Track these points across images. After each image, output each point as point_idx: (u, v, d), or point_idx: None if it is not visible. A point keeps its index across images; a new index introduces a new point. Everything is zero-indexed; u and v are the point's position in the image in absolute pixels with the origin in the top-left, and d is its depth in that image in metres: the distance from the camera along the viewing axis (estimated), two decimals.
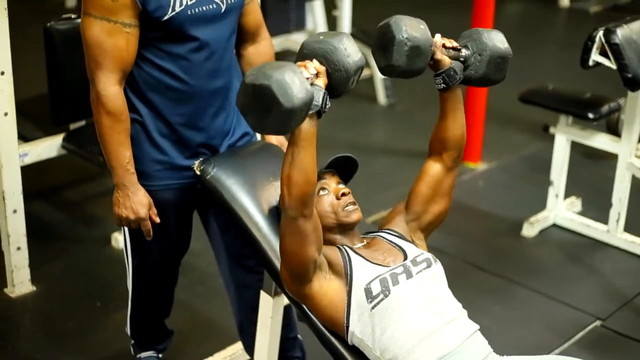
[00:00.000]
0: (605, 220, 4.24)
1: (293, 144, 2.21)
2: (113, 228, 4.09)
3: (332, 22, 6.20)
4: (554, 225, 4.35)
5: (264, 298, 2.76)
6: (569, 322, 3.62)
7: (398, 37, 2.29)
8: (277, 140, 2.91)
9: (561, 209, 4.33)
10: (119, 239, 4.00)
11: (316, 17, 5.96)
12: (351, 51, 2.22)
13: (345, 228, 2.49)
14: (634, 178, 4.10)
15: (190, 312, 3.59)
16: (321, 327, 2.47)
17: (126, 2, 2.41)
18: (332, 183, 2.51)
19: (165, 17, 2.45)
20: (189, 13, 2.48)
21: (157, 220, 2.63)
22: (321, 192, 2.48)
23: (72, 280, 3.84)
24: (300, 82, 2.10)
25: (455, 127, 2.52)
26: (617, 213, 4.11)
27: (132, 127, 2.58)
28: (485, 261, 4.06)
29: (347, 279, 2.34)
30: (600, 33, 3.72)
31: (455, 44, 2.47)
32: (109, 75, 2.48)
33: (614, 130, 4.70)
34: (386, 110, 5.82)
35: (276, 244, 2.56)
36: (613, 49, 3.68)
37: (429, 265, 2.43)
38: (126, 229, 2.76)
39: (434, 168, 2.57)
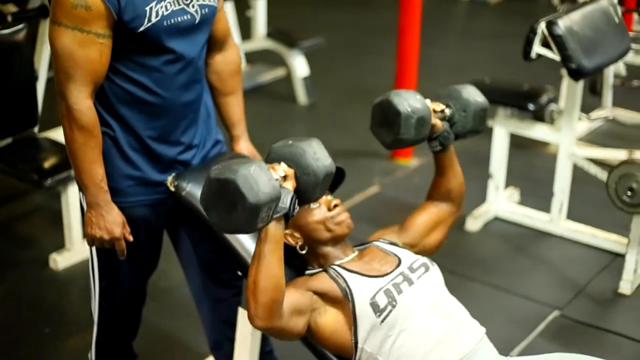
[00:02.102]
0: (543, 210, 4.30)
1: (260, 247, 2.16)
2: (49, 248, 3.90)
3: (246, 23, 6.09)
4: (496, 218, 4.37)
5: (243, 314, 2.67)
6: (529, 314, 3.63)
7: (404, 111, 2.40)
8: (248, 150, 2.82)
9: (502, 202, 4.36)
10: (58, 260, 3.82)
11: (228, 19, 5.83)
12: (320, 155, 2.21)
13: (338, 240, 2.46)
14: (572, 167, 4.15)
15: (146, 328, 3.44)
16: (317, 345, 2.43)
17: (101, 11, 2.28)
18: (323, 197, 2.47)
19: (141, 28, 2.34)
20: (165, 24, 2.37)
21: (131, 239, 2.52)
22: (312, 205, 2.44)
23: (13, 307, 3.63)
24: (268, 179, 2.06)
25: (456, 179, 2.62)
26: (559, 202, 4.16)
27: (102, 142, 2.45)
28: (434, 258, 4.00)
29: (348, 298, 2.29)
30: (543, 25, 3.74)
31: (442, 107, 2.56)
32: (81, 89, 2.35)
33: (542, 120, 4.76)
34: (307, 109, 5.75)
35: None
36: (556, 40, 3.70)
37: (427, 270, 2.43)
38: (94, 249, 2.63)
39: (436, 209, 2.65)
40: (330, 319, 2.31)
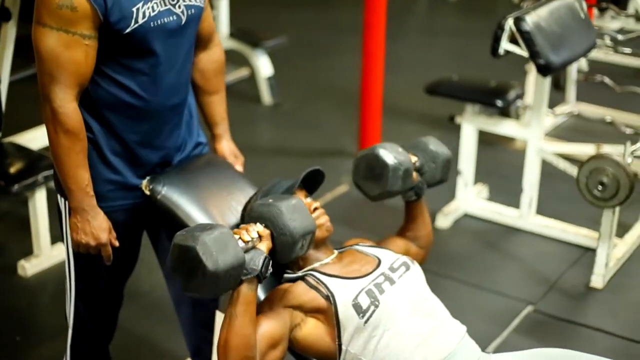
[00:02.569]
0: (512, 205, 4.31)
1: (231, 307, 2.17)
2: (17, 255, 3.83)
3: None
4: (466, 215, 4.38)
5: (220, 317, 2.65)
6: (503, 310, 3.65)
7: (391, 164, 2.49)
8: (230, 149, 2.82)
9: (471, 198, 4.37)
10: (26, 267, 3.76)
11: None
12: (298, 215, 2.25)
13: (318, 243, 2.45)
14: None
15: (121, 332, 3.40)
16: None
17: (87, 12, 2.24)
18: (301, 198, 2.46)
19: (128, 30, 2.30)
20: (152, 25, 2.33)
21: (117, 244, 2.50)
22: None
23: None
24: (230, 246, 2.10)
25: (425, 226, 2.71)
26: (528, 198, 4.18)
27: None
28: None
29: (330, 301, 2.29)
30: (510, 21, 3.75)
31: (415, 158, 2.63)
32: (66, 91, 2.31)
33: (508, 116, 4.77)
34: (272, 109, 5.72)
35: None
36: (524, 36, 3.71)
37: (407, 269, 2.44)
38: (70, 251, 2.59)
39: (406, 244, 2.69)
40: (311, 329, 2.31)
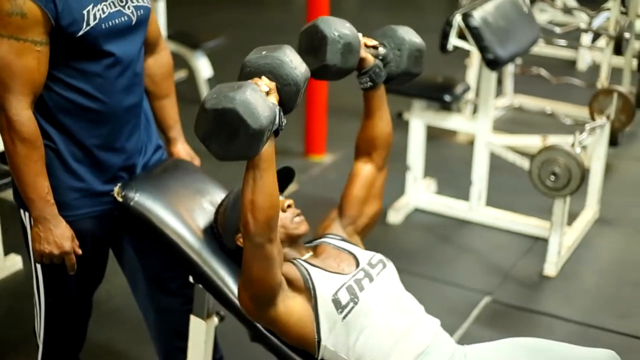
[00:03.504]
0: (460, 198, 4.38)
1: (254, 167, 2.10)
2: None
3: None
4: (417, 210, 4.43)
5: (196, 322, 2.65)
6: (461, 301, 3.70)
7: (330, 35, 2.30)
8: (186, 152, 2.80)
9: (421, 193, 4.42)
10: None
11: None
12: (297, 63, 2.15)
13: (293, 240, 2.45)
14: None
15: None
16: (281, 345, 2.41)
17: (37, 18, 2.20)
18: None
19: (80, 33, 2.27)
20: (103, 27, 2.31)
21: (80, 252, 2.45)
22: None
23: None
24: (263, 101, 2.01)
25: (383, 124, 2.53)
26: (478, 190, 4.24)
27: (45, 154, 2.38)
28: None
29: (311, 293, 2.28)
30: (458, 17, 3.80)
31: (374, 42, 2.49)
32: (21, 99, 2.26)
33: (449, 110, 4.84)
34: None
35: (215, 264, 2.49)
36: (473, 32, 3.78)
37: (384, 266, 2.45)
38: (38, 266, 2.54)
39: (365, 169, 2.58)
40: (296, 306, 2.27)
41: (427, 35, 7.14)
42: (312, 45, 2.33)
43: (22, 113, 2.27)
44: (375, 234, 4.16)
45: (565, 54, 6.36)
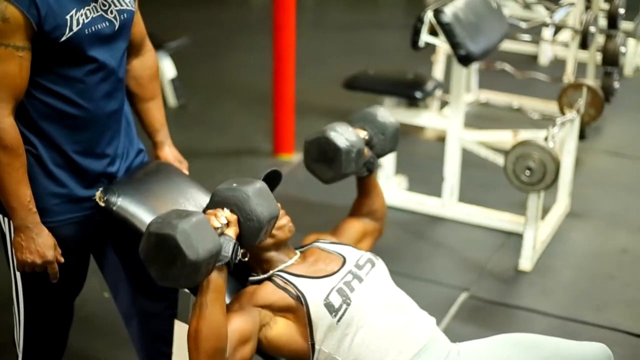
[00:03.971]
0: (430, 194, 4.38)
1: (201, 296, 2.12)
2: None
3: None
4: (389, 207, 4.40)
5: (181, 327, 2.59)
6: (439, 298, 3.70)
7: (344, 147, 2.46)
8: (173, 155, 2.75)
9: (393, 190, 4.41)
10: None
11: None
12: (264, 200, 2.20)
13: (280, 244, 2.44)
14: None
15: None
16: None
17: (19, 22, 2.16)
18: None
19: (63, 38, 2.23)
20: (87, 32, 2.27)
21: (62, 260, 2.41)
22: None
23: None
24: (208, 233, 2.05)
25: (379, 199, 2.72)
26: (450, 186, 4.24)
27: None
28: None
29: (302, 302, 2.27)
30: (430, 14, 3.80)
31: (364, 133, 2.61)
32: (2, 106, 2.22)
33: (416, 107, 4.84)
34: (178, 111, 5.62)
35: None
36: (445, 28, 3.77)
37: (373, 265, 2.45)
38: (18, 274, 2.50)
39: (362, 224, 2.70)
40: (282, 329, 2.28)
41: (385, 31, 7.30)
42: (325, 156, 2.49)
43: (4, 120, 2.22)
44: None
45: (527, 48, 6.40)
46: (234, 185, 2.21)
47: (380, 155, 2.65)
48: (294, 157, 4.96)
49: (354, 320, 2.26)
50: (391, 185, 4.40)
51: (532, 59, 6.41)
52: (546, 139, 3.68)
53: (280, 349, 2.30)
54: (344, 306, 2.26)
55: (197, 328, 2.11)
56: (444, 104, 5.05)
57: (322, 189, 4.37)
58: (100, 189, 2.47)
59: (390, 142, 2.63)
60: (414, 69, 4.70)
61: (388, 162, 4.34)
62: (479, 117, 5.35)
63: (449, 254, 4.05)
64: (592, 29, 4.40)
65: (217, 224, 2.14)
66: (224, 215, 2.17)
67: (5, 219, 2.43)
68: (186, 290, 2.47)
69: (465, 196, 4.36)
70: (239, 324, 2.21)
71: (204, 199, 2.61)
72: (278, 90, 4.77)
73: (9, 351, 3.18)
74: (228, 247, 2.12)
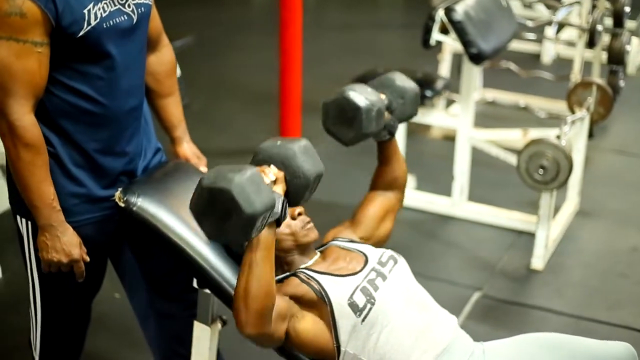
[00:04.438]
0: (438, 193, 4.37)
1: (252, 254, 2.08)
2: None
3: None
4: None
5: (200, 329, 2.58)
6: (452, 297, 3.68)
7: (363, 106, 2.38)
8: (192, 152, 2.74)
9: None
10: None
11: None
12: (310, 157, 2.15)
13: (305, 248, 2.40)
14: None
15: None
16: (294, 352, 2.36)
17: (37, 18, 2.12)
18: None
19: (81, 33, 2.19)
20: (105, 26, 2.23)
21: (88, 259, 2.38)
22: None
23: None
24: (262, 187, 1.99)
25: (400, 165, 2.63)
26: (460, 185, 4.23)
27: None
28: None
29: (324, 301, 2.24)
30: (441, 12, 3.78)
31: (383, 97, 2.54)
32: (22, 103, 2.18)
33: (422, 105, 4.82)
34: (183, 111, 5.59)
35: (223, 268, 2.42)
36: (456, 27, 3.76)
37: (395, 262, 2.43)
38: (36, 275, 2.47)
39: (383, 199, 2.62)
40: (309, 324, 2.25)
41: (384, 31, 7.31)
42: (345, 116, 2.40)
43: (25, 117, 2.19)
44: None
45: (529, 47, 6.39)
46: (279, 142, 2.15)
47: (401, 120, 2.58)
48: None
49: (378, 320, 2.23)
50: None
51: (535, 57, 6.40)
52: (559, 137, 3.67)
53: (307, 346, 2.26)
54: (369, 305, 2.23)
55: (246, 287, 2.06)
56: (449, 102, 5.04)
57: (328, 188, 4.38)
58: (120, 189, 2.44)
59: (410, 106, 2.56)
60: (413, 68, 4.69)
61: None
62: (485, 116, 5.33)
63: (460, 253, 4.04)
64: (600, 27, 4.40)
65: (267, 180, 2.07)
66: (272, 171, 2.11)
67: (23, 220, 2.40)
68: (206, 290, 2.46)
69: (473, 195, 4.35)
70: (277, 300, 2.17)
71: None
72: (284, 89, 4.75)
73: (23, 352, 3.18)
74: (278, 204, 2.06)
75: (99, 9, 2.22)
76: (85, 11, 2.18)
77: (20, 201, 2.32)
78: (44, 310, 2.52)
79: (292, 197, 2.14)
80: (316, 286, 2.25)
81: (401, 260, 2.45)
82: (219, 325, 2.58)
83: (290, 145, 2.13)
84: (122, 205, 2.43)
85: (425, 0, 7.31)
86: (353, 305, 2.22)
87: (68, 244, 2.31)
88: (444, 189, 4.36)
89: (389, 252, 2.44)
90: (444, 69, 5.12)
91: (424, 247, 4.09)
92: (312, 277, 2.28)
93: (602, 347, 2.32)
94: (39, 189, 2.25)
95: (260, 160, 2.13)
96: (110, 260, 2.66)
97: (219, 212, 1.97)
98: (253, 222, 1.96)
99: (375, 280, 2.31)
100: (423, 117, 4.29)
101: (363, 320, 2.22)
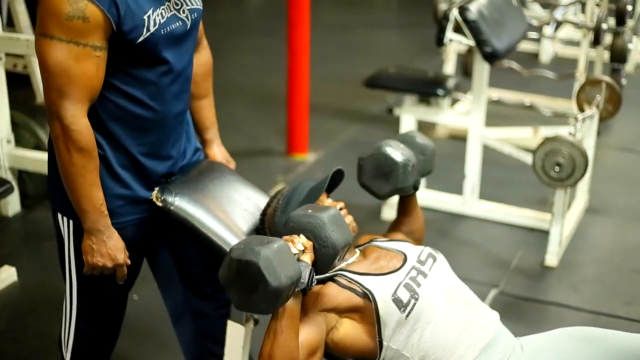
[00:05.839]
0: (448, 192, 4.39)
1: (276, 322, 2.11)
2: None
3: None
4: None
5: (234, 328, 2.60)
6: None
7: (400, 161, 2.49)
8: (222, 154, 2.75)
9: None
10: None
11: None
12: (339, 227, 2.21)
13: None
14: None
15: None
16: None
17: (99, 22, 2.12)
18: (324, 200, 2.46)
19: (141, 39, 2.19)
20: (162, 33, 2.24)
21: (129, 262, 2.39)
22: None
23: None
24: (289, 260, 2.05)
25: (419, 219, 2.72)
26: (471, 184, 4.25)
27: None
28: None
29: (370, 300, 2.26)
30: (455, 11, 3.80)
31: None
32: (78, 107, 2.17)
33: (429, 104, 4.85)
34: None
35: None
36: (471, 26, 3.78)
37: (435, 260, 2.45)
38: (74, 272, 2.47)
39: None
40: (348, 330, 2.27)
41: (380, 31, 7.33)
42: (382, 171, 2.51)
43: (79, 121, 2.18)
44: (371, 230, 4.15)
45: (528, 46, 6.43)
46: (309, 211, 2.21)
47: (422, 175, 2.66)
48: (308, 157, 4.95)
49: (422, 315, 2.25)
50: None
51: (533, 57, 6.45)
52: (573, 134, 3.69)
53: (347, 350, 2.29)
54: (412, 301, 2.25)
55: (271, 353, 2.10)
56: (454, 101, 5.06)
57: (343, 189, 4.38)
58: (157, 188, 2.44)
59: (429, 163, 2.66)
60: (414, 67, 4.72)
61: None
62: (490, 115, 5.35)
63: (474, 250, 4.06)
64: (604, 26, 4.44)
65: (295, 250, 2.13)
66: (301, 241, 2.17)
67: (65, 218, 2.39)
68: None
69: (483, 193, 4.37)
70: (306, 336, 2.19)
71: (258, 197, 2.60)
72: (292, 90, 4.76)
73: (44, 356, 3.17)
74: (305, 274, 2.11)
75: (158, 15, 2.22)
76: (145, 17, 2.19)
77: (63, 200, 2.32)
78: (79, 306, 2.52)
79: (320, 265, 2.20)
80: (359, 288, 2.27)
81: (440, 257, 2.47)
82: (251, 324, 2.59)
83: (320, 214, 2.19)
84: (160, 204, 2.44)
85: (419, 1, 7.38)
86: (397, 301, 2.24)
87: (114, 248, 2.31)
88: (454, 187, 4.38)
89: (427, 250, 2.46)
90: (449, 68, 5.15)
91: (437, 245, 4.01)
92: (353, 280, 2.30)
93: (637, 339, 2.35)
94: (89, 193, 2.25)
95: (290, 228, 2.20)
96: (146, 259, 2.67)
97: (246, 284, 2.02)
98: (278, 295, 2.01)
99: (417, 277, 2.33)
100: (435, 116, 4.30)
101: (407, 315, 2.23)
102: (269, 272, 1.98)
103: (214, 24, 7.32)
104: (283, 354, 2.10)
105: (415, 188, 2.61)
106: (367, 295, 2.25)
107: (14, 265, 3.75)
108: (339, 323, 2.27)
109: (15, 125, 4.17)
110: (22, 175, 4.23)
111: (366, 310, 2.25)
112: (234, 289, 2.05)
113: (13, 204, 4.23)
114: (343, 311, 2.27)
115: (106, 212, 2.29)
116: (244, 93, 5.91)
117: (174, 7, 2.27)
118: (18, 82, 4.68)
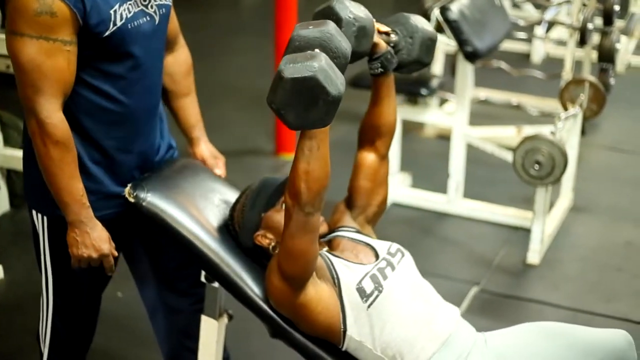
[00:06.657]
0: (433, 191, 4.42)
1: (310, 138, 2.07)
2: None
3: None
4: (395, 204, 4.44)
5: (207, 322, 2.61)
6: (450, 292, 3.68)
7: (345, 17, 2.25)
8: (210, 152, 2.78)
9: (397, 187, 4.44)
10: None
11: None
12: (344, 37, 2.14)
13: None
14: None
15: None
16: (304, 340, 2.38)
17: (66, 17, 2.15)
18: None
19: (107, 33, 2.22)
20: (129, 27, 2.27)
21: (116, 254, 2.42)
22: (284, 206, 2.29)
23: None
24: (336, 69, 2.02)
25: (389, 112, 2.52)
26: (455, 182, 4.28)
27: None
28: None
29: (335, 281, 2.27)
30: (436, 11, 3.83)
31: (387, 29, 2.45)
32: (52, 101, 2.21)
33: (415, 104, 4.87)
34: None
35: (232, 262, 2.44)
36: (452, 25, 3.81)
37: (403, 255, 2.46)
38: (49, 268, 2.50)
39: (369, 159, 2.56)
40: (324, 292, 2.25)
41: None
42: None
43: (54, 115, 2.21)
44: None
45: (519, 46, 6.45)
46: (311, 27, 2.12)
47: (407, 62, 2.45)
48: None
49: (384, 308, 2.26)
50: (395, 182, 4.43)
51: (525, 57, 6.47)
52: (553, 133, 3.72)
53: (316, 317, 2.26)
54: (376, 292, 2.26)
55: (308, 169, 2.08)
56: (442, 101, 5.09)
57: (330, 188, 4.39)
58: (129, 184, 2.47)
59: (419, 49, 2.41)
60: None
61: (393, 159, 4.37)
62: (477, 115, 5.38)
63: (457, 249, 4.09)
64: (590, 25, 4.47)
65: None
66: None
67: (39, 215, 2.42)
68: (215, 284, 2.49)
69: (468, 192, 4.40)
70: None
71: (230, 193, 2.62)
72: None
73: (28, 352, 3.20)
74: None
75: (125, 10, 2.25)
76: (112, 11, 2.22)
77: (37, 197, 2.36)
78: (55, 302, 2.55)
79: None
80: (330, 265, 2.29)
81: (407, 254, 2.48)
82: (225, 319, 2.62)
83: (325, 28, 2.11)
84: (132, 200, 2.46)
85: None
86: (361, 291, 2.25)
87: (98, 239, 2.34)
88: (439, 186, 4.41)
89: (396, 245, 2.48)
90: (437, 68, 5.18)
91: (420, 244, 4.13)
92: (327, 257, 2.31)
93: (600, 335, 2.37)
94: (68, 186, 2.27)
95: (297, 47, 2.09)
96: (122, 255, 2.70)
97: (305, 100, 1.97)
98: (338, 102, 1.99)
99: (385, 269, 2.34)
100: (419, 115, 4.33)
101: (369, 306, 2.25)
102: (329, 82, 1.95)
103: (207, 25, 7.40)
104: (321, 167, 2.08)
105: (384, 67, 2.41)
106: (333, 278, 2.27)
107: (2, 263, 3.79)
108: (319, 280, 2.26)
109: (3, 125, 4.21)
110: (11, 175, 4.27)
111: (333, 290, 2.27)
112: (291, 110, 2.00)
113: (2, 203, 4.27)
114: (320, 276, 2.27)
115: (88, 204, 2.31)
116: (235, 93, 5.95)
117: (141, 2, 2.30)
118: (6, 82, 4.72)
